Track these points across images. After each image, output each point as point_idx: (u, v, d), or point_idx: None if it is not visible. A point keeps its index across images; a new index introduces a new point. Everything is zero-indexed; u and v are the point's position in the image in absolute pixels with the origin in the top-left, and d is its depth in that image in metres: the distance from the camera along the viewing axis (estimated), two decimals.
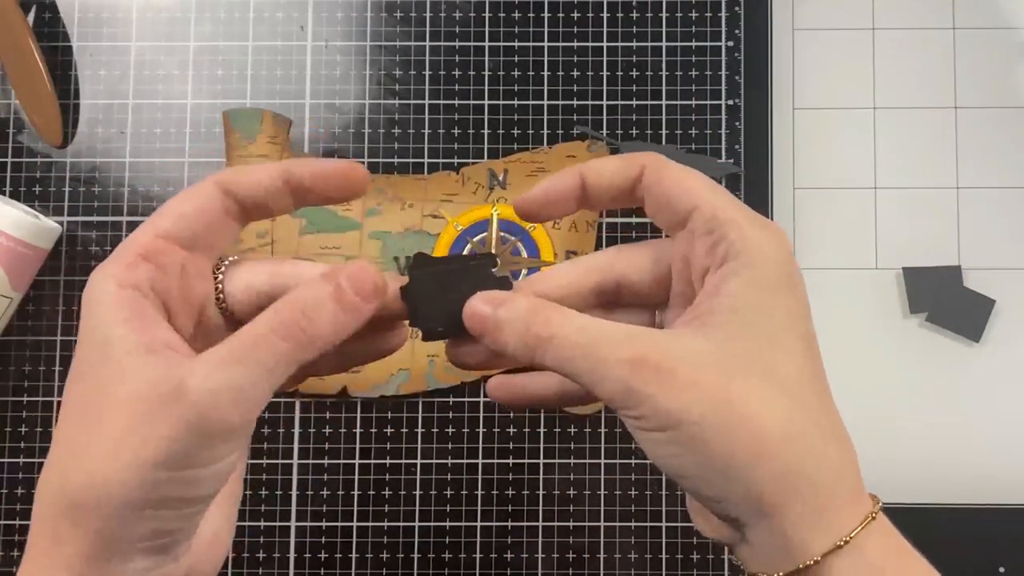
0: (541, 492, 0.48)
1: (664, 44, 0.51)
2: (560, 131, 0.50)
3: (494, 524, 0.48)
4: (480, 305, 0.29)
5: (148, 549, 0.26)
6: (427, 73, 0.51)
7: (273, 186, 0.29)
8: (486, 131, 0.50)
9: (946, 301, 0.49)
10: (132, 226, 0.50)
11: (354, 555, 0.48)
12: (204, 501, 0.26)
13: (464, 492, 0.48)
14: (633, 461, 0.48)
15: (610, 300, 0.31)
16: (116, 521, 0.25)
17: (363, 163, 0.50)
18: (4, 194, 0.50)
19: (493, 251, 0.49)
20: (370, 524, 0.48)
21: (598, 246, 0.49)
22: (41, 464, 0.48)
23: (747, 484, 0.26)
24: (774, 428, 0.26)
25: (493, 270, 0.30)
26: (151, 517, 0.25)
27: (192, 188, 0.28)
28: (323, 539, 0.48)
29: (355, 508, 0.48)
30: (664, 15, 0.51)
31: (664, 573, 0.48)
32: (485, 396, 0.49)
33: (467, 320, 0.29)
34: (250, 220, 0.29)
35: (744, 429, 0.25)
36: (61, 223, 0.50)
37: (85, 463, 0.25)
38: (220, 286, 0.29)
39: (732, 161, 0.50)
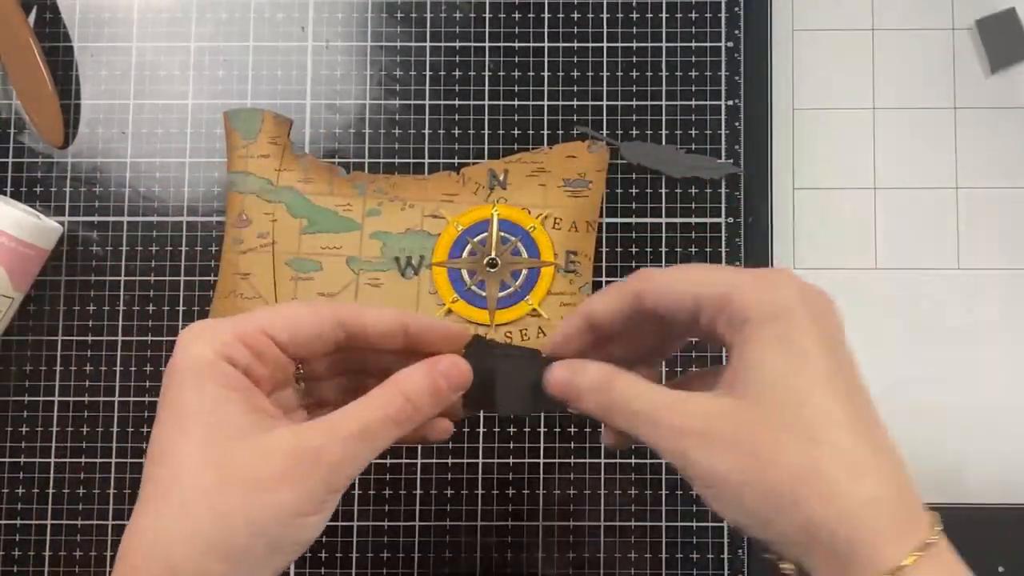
0: (541, 492, 0.48)
1: (664, 44, 0.51)
2: (560, 131, 0.50)
3: (494, 524, 0.48)
4: (560, 372, 0.34)
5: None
6: (427, 73, 0.51)
7: (391, 333, 0.33)
8: (486, 131, 0.50)
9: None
10: (133, 226, 0.50)
11: (354, 555, 0.48)
12: (307, 547, 0.31)
13: (464, 492, 0.48)
14: (633, 461, 0.48)
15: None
16: (240, 562, 0.28)
17: (363, 163, 0.50)
18: (5, 194, 0.50)
19: (493, 252, 0.49)
20: (370, 524, 0.48)
21: (598, 247, 0.49)
22: (41, 464, 0.49)
23: (780, 535, 0.28)
24: (794, 480, 0.28)
25: (536, 363, 0.34)
26: (268, 560, 0.29)
27: (314, 308, 0.32)
28: (324, 539, 0.48)
29: (355, 508, 0.48)
30: (664, 15, 0.51)
31: (664, 573, 0.48)
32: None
33: (551, 388, 0.34)
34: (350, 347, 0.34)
35: (767, 484, 0.28)
36: (62, 223, 0.50)
37: (215, 512, 0.28)
38: (300, 366, 0.34)
39: (732, 161, 0.50)
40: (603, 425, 0.35)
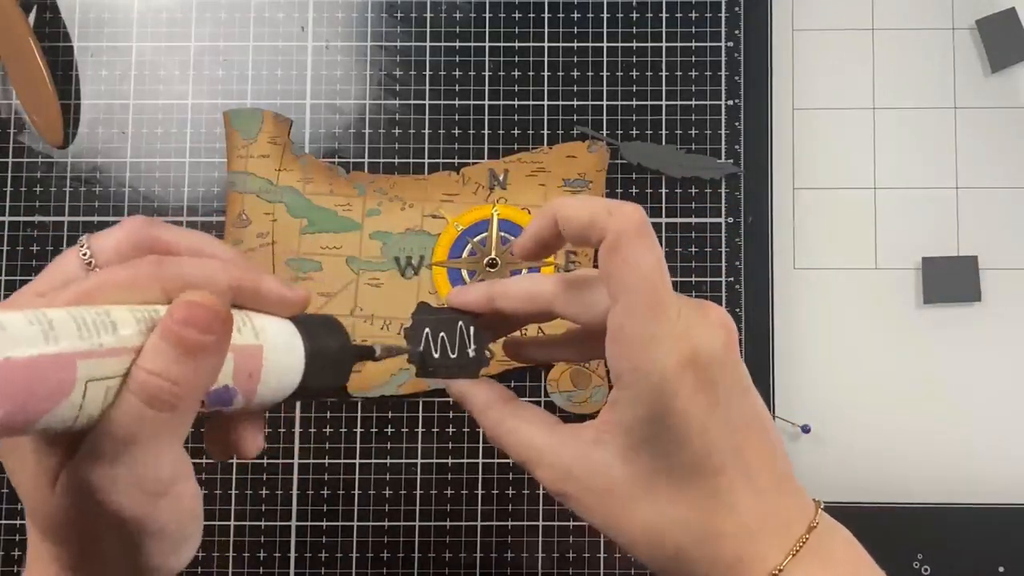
0: (541, 492, 0.48)
1: (664, 44, 0.51)
2: (560, 131, 0.50)
3: (494, 524, 0.48)
4: (456, 389, 0.34)
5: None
6: (427, 73, 0.51)
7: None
8: (486, 131, 0.50)
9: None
10: None
11: (354, 555, 0.48)
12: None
13: (464, 492, 0.48)
14: None
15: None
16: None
17: (363, 163, 0.50)
18: (5, 194, 0.50)
19: (493, 252, 0.49)
20: (370, 524, 0.48)
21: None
22: None
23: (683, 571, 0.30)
24: (640, 535, 0.30)
25: (462, 322, 0.35)
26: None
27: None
28: (323, 539, 0.48)
29: (355, 508, 0.48)
30: (664, 15, 0.51)
31: None
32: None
33: (453, 395, 0.35)
34: None
35: (624, 538, 0.30)
36: (62, 223, 0.50)
37: None
38: (87, 252, 0.29)
39: (732, 161, 0.50)
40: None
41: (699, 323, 0.29)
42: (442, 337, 0.35)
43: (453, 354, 0.35)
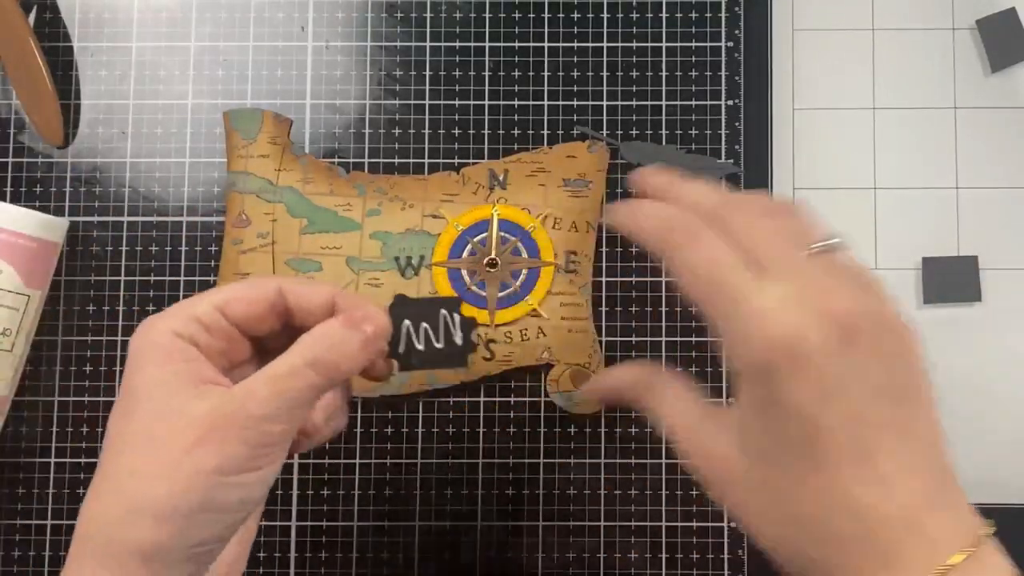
0: (541, 492, 0.48)
1: (664, 44, 0.51)
2: (560, 131, 0.50)
3: (494, 524, 0.48)
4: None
5: (194, 556, 0.30)
6: (427, 73, 0.51)
7: (320, 309, 0.33)
8: (486, 131, 0.50)
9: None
10: (133, 226, 0.50)
11: (354, 555, 0.48)
12: (247, 507, 0.31)
13: (464, 492, 0.48)
14: (633, 461, 0.48)
15: None
16: (174, 527, 0.29)
17: (363, 163, 0.50)
18: (5, 194, 0.50)
19: (493, 252, 0.49)
20: (370, 524, 0.48)
21: (598, 247, 0.49)
22: (41, 464, 0.49)
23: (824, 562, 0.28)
24: (767, 533, 0.30)
25: (447, 307, 0.35)
26: (210, 521, 0.29)
27: (259, 281, 0.33)
28: (323, 539, 0.48)
29: (355, 508, 0.48)
30: (664, 15, 0.51)
31: (664, 573, 0.48)
32: (486, 396, 0.49)
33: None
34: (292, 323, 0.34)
35: (766, 540, 0.30)
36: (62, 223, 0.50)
37: (145, 481, 0.29)
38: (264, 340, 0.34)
39: (732, 161, 0.50)
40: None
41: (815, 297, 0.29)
42: (424, 328, 0.34)
43: (439, 343, 0.35)
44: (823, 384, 0.27)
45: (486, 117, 0.51)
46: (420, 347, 0.34)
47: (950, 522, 0.27)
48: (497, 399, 0.49)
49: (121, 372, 0.49)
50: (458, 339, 0.34)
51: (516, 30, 0.51)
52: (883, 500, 0.27)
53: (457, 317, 0.35)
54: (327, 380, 0.31)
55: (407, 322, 0.34)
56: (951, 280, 0.49)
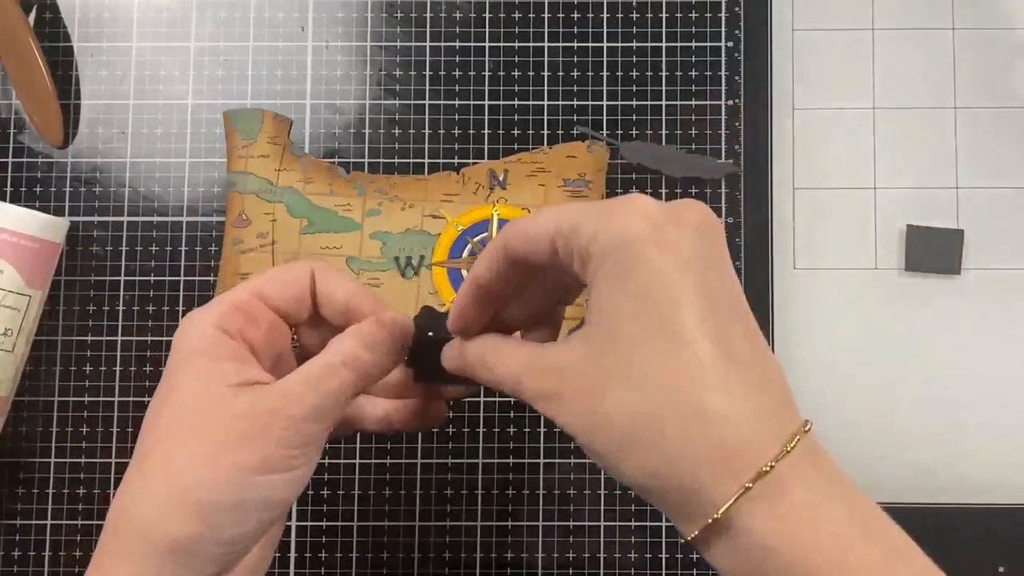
0: (541, 492, 0.48)
1: (664, 44, 0.51)
2: (560, 131, 0.50)
3: (494, 524, 0.48)
4: (448, 351, 0.34)
5: (222, 556, 0.30)
6: (427, 73, 0.51)
7: (341, 304, 0.34)
8: (486, 131, 0.50)
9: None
10: (133, 226, 0.50)
11: (354, 555, 0.48)
12: (279, 508, 0.31)
13: (464, 492, 0.48)
14: None
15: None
16: (208, 521, 0.29)
17: (363, 163, 0.50)
18: (5, 194, 0.50)
19: None
20: (370, 524, 0.48)
21: None
22: (41, 464, 0.49)
23: (632, 478, 0.28)
24: (624, 421, 0.27)
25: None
26: (237, 521, 0.30)
27: (293, 264, 0.34)
28: (323, 539, 0.48)
29: (355, 508, 0.48)
30: (664, 15, 0.51)
31: (664, 573, 0.48)
32: (486, 396, 0.49)
33: (448, 367, 0.34)
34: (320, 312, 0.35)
35: (606, 432, 0.28)
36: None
37: (183, 472, 0.29)
38: (295, 335, 0.35)
39: (732, 161, 0.50)
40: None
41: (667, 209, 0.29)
42: (444, 343, 0.34)
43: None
44: (680, 254, 0.27)
45: (486, 117, 0.51)
46: (436, 363, 0.34)
47: (784, 402, 0.28)
48: (497, 399, 0.49)
49: (122, 372, 0.49)
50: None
51: (516, 30, 0.51)
52: (732, 395, 0.27)
53: None
54: (362, 379, 0.32)
55: (429, 335, 0.34)
56: (934, 254, 0.49)
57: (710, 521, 0.27)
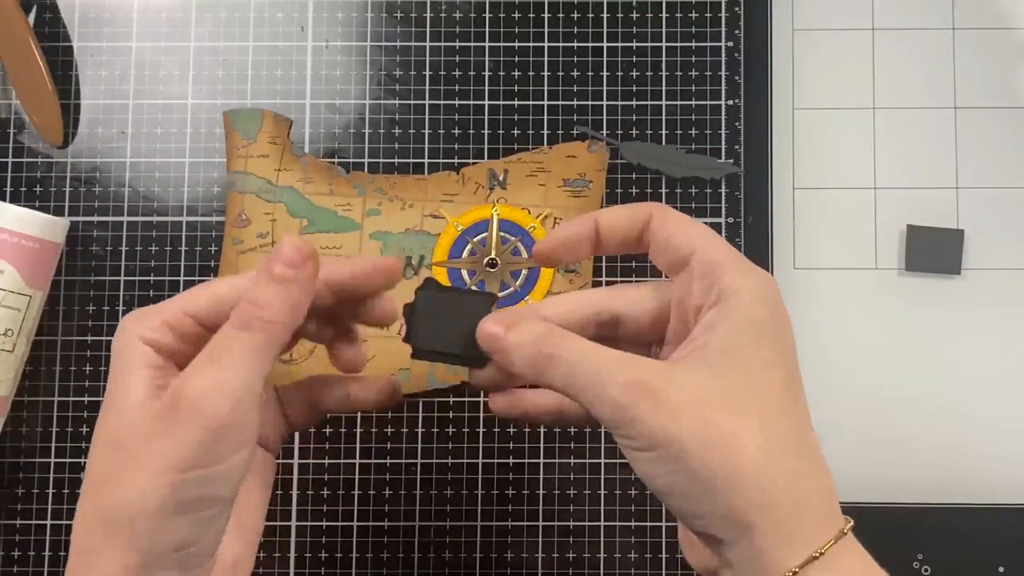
0: (541, 492, 0.48)
1: (664, 44, 0.51)
2: (560, 131, 0.50)
3: (494, 524, 0.48)
4: (492, 326, 0.32)
5: (178, 561, 0.29)
6: (427, 73, 0.51)
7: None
8: (486, 131, 0.50)
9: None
10: (133, 226, 0.50)
11: (354, 555, 0.48)
12: (222, 502, 0.30)
13: (464, 492, 0.48)
14: None
15: (607, 334, 0.34)
16: (148, 529, 0.28)
17: (363, 163, 0.50)
18: (5, 194, 0.50)
19: (493, 252, 0.49)
20: (370, 524, 0.48)
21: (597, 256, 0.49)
22: (41, 464, 0.49)
23: (724, 502, 0.28)
24: (749, 454, 0.28)
25: (494, 307, 0.33)
26: (178, 523, 0.29)
27: (237, 276, 0.32)
28: (323, 539, 0.48)
29: (355, 508, 0.48)
30: (664, 15, 0.51)
31: (664, 573, 0.48)
32: (486, 396, 0.49)
33: (480, 339, 0.32)
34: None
35: (722, 452, 0.28)
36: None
37: (116, 485, 0.29)
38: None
39: (732, 161, 0.50)
40: (684, 545, 0.35)
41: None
42: (449, 319, 0.32)
43: (459, 340, 0.32)
44: (789, 338, 0.31)
45: (486, 117, 0.51)
46: (439, 339, 0.32)
47: (826, 492, 0.30)
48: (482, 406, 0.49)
49: None
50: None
51: (516, 30, 0.51)
52: (819, 470, 0.30)
53: (488, 311, 0.32)
54: (263, 335, 0.30)
55: (432, 309, 0.32)
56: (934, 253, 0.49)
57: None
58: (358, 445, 0.49)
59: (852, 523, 0.29)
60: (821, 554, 0.28)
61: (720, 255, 0.31)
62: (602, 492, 0.48)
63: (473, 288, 0.44)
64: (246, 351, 0.29)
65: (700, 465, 0.28)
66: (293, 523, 0.48)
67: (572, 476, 0.48)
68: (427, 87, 0.51)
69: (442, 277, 0.48)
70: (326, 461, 0.48)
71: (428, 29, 0.51)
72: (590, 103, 0.50)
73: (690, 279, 0.31)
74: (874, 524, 0.48)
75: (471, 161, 0.50)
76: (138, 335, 0.31)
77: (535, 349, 0.30)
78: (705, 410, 0.28)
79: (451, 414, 0.49)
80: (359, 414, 0.49)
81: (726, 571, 0.30)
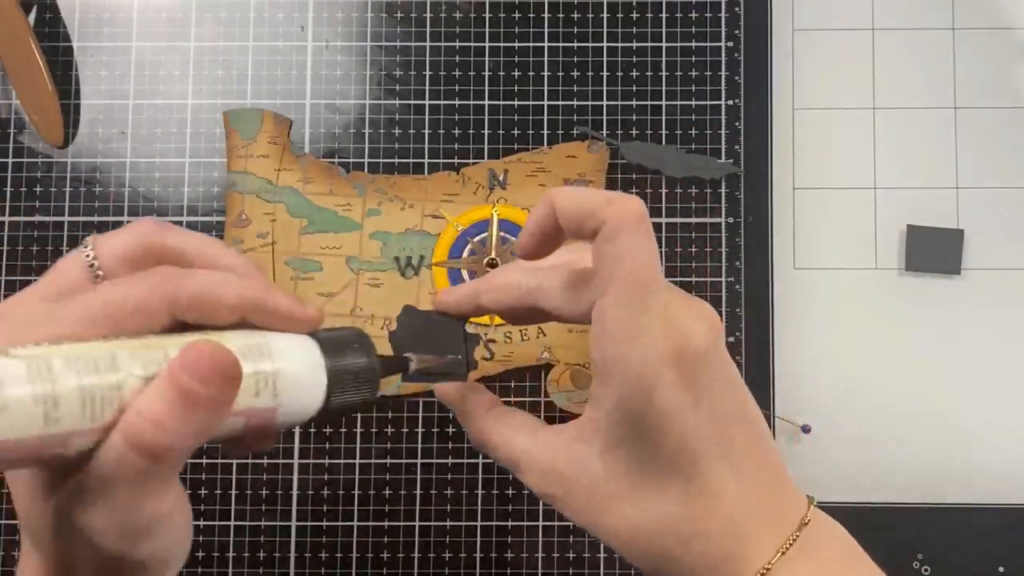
0: None
1: (664, 44, 0.51)
2: (560, 131, 0.50)
3: (494, 524, 0.48)
4: (446, 392, 0.35)
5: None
6: (427, 73, 0.51)
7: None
8: (486, 131, 0.50)
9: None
10: None
11: (354, 555, 0.48)
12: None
13: (464, 492, 0.48)
14: None
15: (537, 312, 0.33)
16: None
17: (363, 163, 0.50)
18: (5, 194, 0.50)
19: (493, 252, 0.49)
20: (370, 524, 0.48)
21: None
22: None
23: (699, 555, 0.29)
24: (625, 533, 0.29)
25: (465, 326, 0.35)
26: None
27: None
28: (323, 539, 0.48)
29: (355, 508, 0.48)
30: (664, 15, 0.51)
31: None
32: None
33: (439, 397, 0.35)
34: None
35: (610, 539, 0.30)
36: (62, 223, 0.50)
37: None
38: (91, 254, 0.29)
39: (732, 161, 0.50)
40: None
41: (685, 317, 0.29)
42: (429, 341, 0.34)
43: (441, 358, 0.34)
44: (698, 386, 0.29)
45: (486, 117, 0.50)
46: (423, 360, 0.34)
47: (787, 501, 0.30)
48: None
49: None
50: (460, 356, 0.34)
51: (516, 30, 0.51)
52: (739, 491, 0.29)
53: (463, 333, 0.34)
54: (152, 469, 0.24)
55: (413, 332, 0.34)
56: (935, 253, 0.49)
57: None
58: (358, 445, 0.49)
59: (811, 509, 0.30)
60: (767, 570, 0.28)
61: (608, 322, 0.29)
62: None
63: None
64: (146, 479, 0.24)
65: (657, 553, 0.29)
66: (293, 523, 0.48)
67: None
68: (427, 87, 0.51)
69: (442, 277, 0.48)
70: (326, 461, 0.48)
71: (428, 29, 0.51)
72: (590, 103, 0.50)
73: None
74: (874, 524, 0.48)
75: (471, 161, 0.50)
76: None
77: (474, 433, 0.33)
78: (592, 507, 0.30)
79: (451, 414, 0.49)
80: (359, 414, 0.49)
81: None
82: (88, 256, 0.29)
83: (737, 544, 0.29)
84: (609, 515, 0.29)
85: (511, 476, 0.48)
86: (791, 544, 0.28)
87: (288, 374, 0.27)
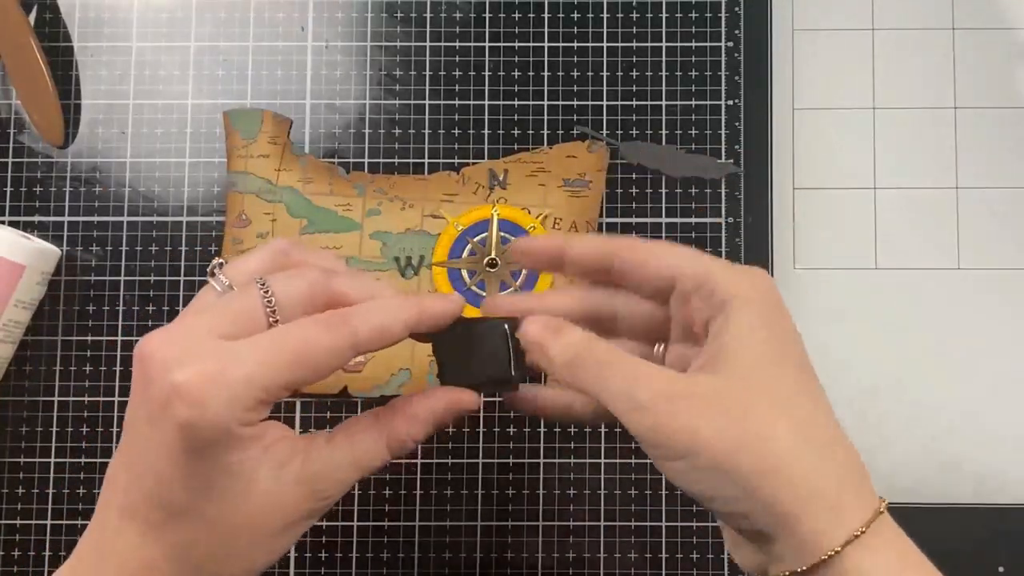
0: (541, 492, 0.48)
1: (664, 44, 0.51)
2: (560, 131, 0.50)
3: (494, 524, 0.48)
4: (537, 331, 0.33)
5: None
6: (427, 73, 0.51)
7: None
8: (486, 131, 0.50)
9: None
10: (133, 226, 0.50)
11: (354, 555, 0.48)
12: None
13: (464, 492, 0.48)
14: (633, 461, 0.48)
15: (607, 328, 0.35)
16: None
17: (363, 163, 0.50)
18: (5, 194, 0.50)
19: (493, 252, 0.49)
20: (370, 524, 0.48)
21: None
22: (41, 464, 0.49)
23: (764, 497, 0.29)
24: (779, 445, 0.29)
25: (506, 326, 0.33)
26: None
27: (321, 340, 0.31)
28: (323, 539, 0.48)
29: (355, 508, 0.48)
30: (664, 15, 0.51)
31: (664, 573, 0.48)
32: (485, 396, 0.49)
33: (524, 342, 0.33)
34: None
35: (753, 449, 0.29)
36: (62, 223, 0.50)
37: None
38: (272, 300, 0.31)
39: (732, 161, 0.50)
40: (732, 548, 0.35)
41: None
42: (473, 350, 0.33)
43: (486, 368, 0.33)
44: (791, 327, 0.33)
45: (486, 117, 0.51)
46: (468, 369, 0.33)
47: (859, 493, 0.31)
48: (497, 399, 0.49)
49: (122, 372, 0.49)
50: (509, 365, 0.33)
51: (516, 30, 0.51)
52: (843, 447, 0.31)
53: (512, 341, 0.33)
54: (291, 377, 0.30)
55: (458, 339, 0.33)
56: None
57: (822, 559, 0.29)
58: None
59: (887, 502, 0.31)
60: (862, 532, 0.29)
61: (704, 266, 0.32)
62: (602, 492, 0.48)
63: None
64: (276, 391, 0.30)
65: (733, 469, 0.29)
66: None
67: (572, 476, 0.48)
68: (427, 87, 0.51)
69: (442, 277, 0.48)
70: None
71: (428, 29, 0.51)
72: (590, 103, 0.50)
73: (685, 296, 0.33)
74: None
75: (471, 161, 0.50)
76: (235, 419, 0.29)
77: (574, 354, 0.32)
78: (729, 415, 0.29)
79: None
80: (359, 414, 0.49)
81: (774, 565, 0.31)
82: (266, 297, 0.31)
83: (833, 491, 0.29)
84: (750, 423, 0.30)
85: (511, 476, 0.48)
86: (863, 532, 0.29)
87: None
